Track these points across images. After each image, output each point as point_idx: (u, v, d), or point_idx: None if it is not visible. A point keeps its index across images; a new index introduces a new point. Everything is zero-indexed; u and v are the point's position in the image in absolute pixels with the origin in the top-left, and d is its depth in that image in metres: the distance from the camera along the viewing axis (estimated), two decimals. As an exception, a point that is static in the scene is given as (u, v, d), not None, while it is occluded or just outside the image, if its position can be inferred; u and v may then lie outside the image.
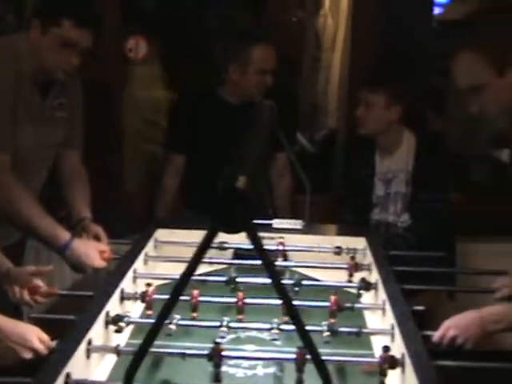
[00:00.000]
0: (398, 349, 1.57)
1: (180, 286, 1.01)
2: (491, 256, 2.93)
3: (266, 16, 3.97)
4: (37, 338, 1.56)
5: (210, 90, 2.94)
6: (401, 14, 3.31)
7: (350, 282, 2.08)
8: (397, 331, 1.64)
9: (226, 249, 2.21)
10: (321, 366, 1.03)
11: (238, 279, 1.95)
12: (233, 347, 1.64)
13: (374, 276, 2.05)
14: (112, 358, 1.62)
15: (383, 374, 1.50)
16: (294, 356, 1.47)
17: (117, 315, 1.70)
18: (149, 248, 2.23)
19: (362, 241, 2.32)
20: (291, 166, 2.85)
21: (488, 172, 3.84)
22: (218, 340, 1.54)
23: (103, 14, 3.08)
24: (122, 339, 1.70)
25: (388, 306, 1.80)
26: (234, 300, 1.80)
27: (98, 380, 1.56)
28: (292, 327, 1.05)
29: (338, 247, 2.27)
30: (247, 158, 1.08)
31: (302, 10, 4.14)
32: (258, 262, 1.00)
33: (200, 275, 1.95)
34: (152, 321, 1.03)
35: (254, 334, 1.77)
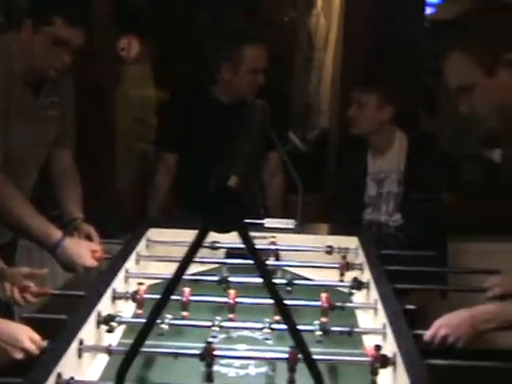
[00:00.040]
0: (390, 348, 1.57)
1: (171, 285, 1.01)
2: (483, 255, 2.94)
3: (259, 15, 3.98)
4: (28, 337, 1.56)
5: (203, 88, 2.94)
6: (393, 13, 3.31)
7: (341, 281, 2.08)
8: (388, 330, 1.65)
9: (217, 248, 2.21)
10: (312, 365, 1.03)
11: (230, 279, 1.95)
12: (225, 347, 1.64)
13: (365, 275, 2.06)
14: (104, 358, 1.62)
15: (375, 373, 1.51)
16: (286, 355, 1.47)
17: (108, 315, 1.70)
18: (141, 247, 2.22)
19: (355, 240, 2.33)
20: (283, 165, 2.86)
21: (480, 172, 3.85)
22: (210, 339, 1.54)
23: (95, 12, 3.09)
24: (113, 339, 1.69)
25: (380, 306, 1.80)
26: (226, 300, 1.80)
27: (90, 380, 1.56)
28: (284, 326, 1.05)
29: (330, 246, 2.28)
30: (239, 158, 1.08)
31: (294, 9, 4.14)
32: (250, 261, 1.01)
33: (192, 275, 1.95)
34: (143, 320, 1.03)
35: (246, 333, 1.77)
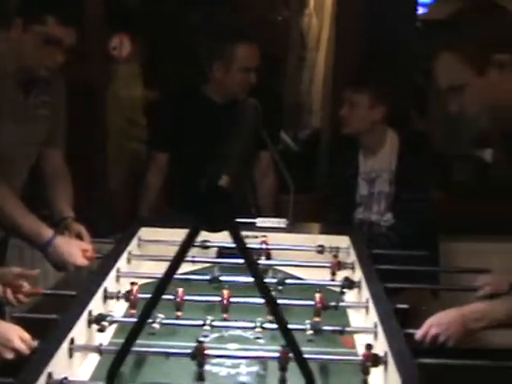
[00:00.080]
0: (381, 347, 1.58)
1: (162, 284, 1.01)
2: (473, 254, 2.95)
3: (251, 14, 3.98)
4: (18, 337, 1.55)
5: (194, 88, 2.94)
6: (385, 13, 3.32)
7: (333, 280, 2.08)
8: (380, 329, 1.65)
9: (208, 247, 2.21)
10: (303, 364, 1.03)
11: (222, 278, 1.95)
12: (216, 346, 1.64)
13: (357, 274, 2.06)
14: (95, 358, 1.62)
15: (366, 372, 1.51)
16: (277, 354, 1.47)
17: (99, 314, 1.70)
18: (132, 247, 2.22)
19: (346, 240, 2.33)
20: (275, 165, 2.86)
21: (471, 172, 3.86)
22: (202, 339, 1.54)
23: (87, 12, 3.08)
24: (104, 338, 1.69)
25: (371, 305, 1.81)
26: (217, 299, 1.80)
27: (81, 379, 1.56)
28: (275, 326, 1.05)
29: (321, 246, 2.28)
30: (231, 157, 1.08)
31: (286, 9, 4.14)
32: (242, 260, 1.01)
33: (183, 274, 1.95)
34: (135, 320, 1.03)
35: (237, 332, 1.77)
